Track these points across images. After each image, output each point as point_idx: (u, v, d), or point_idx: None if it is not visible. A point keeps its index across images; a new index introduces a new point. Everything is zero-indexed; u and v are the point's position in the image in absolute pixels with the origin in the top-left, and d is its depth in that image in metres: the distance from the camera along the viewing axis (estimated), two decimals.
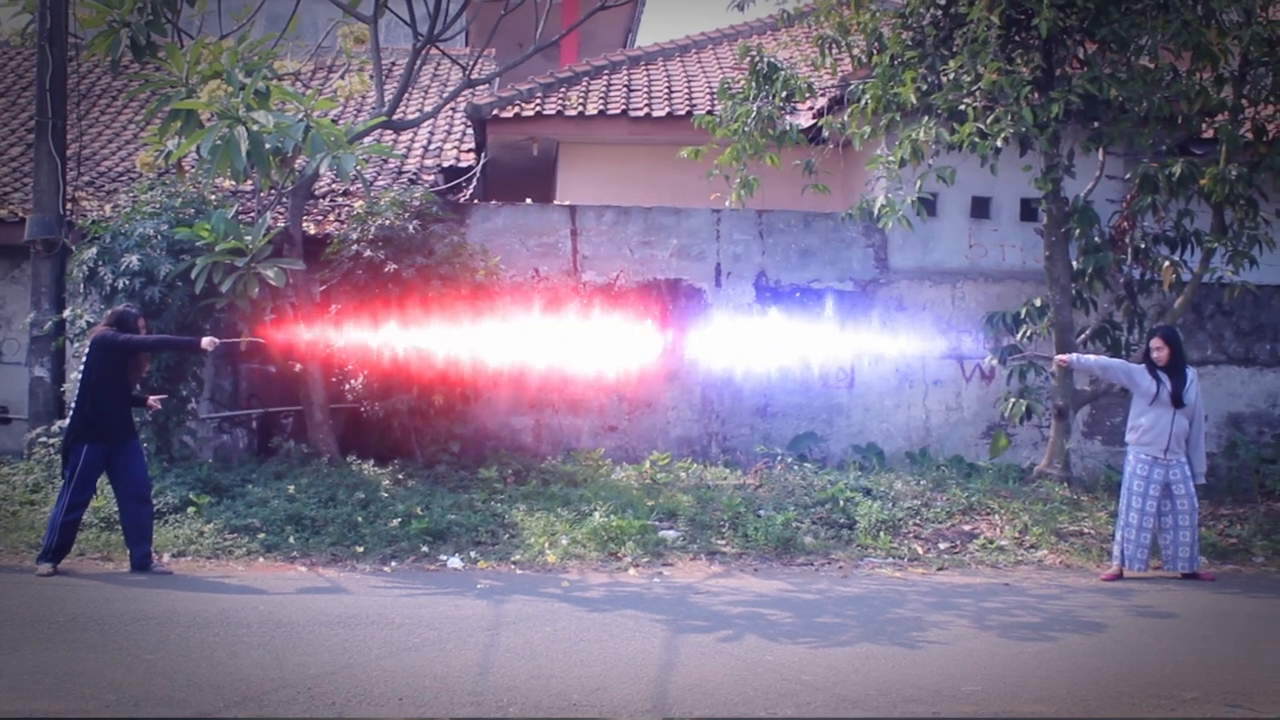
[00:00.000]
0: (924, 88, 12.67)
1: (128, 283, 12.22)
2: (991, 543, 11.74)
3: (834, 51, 13.65)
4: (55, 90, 13.52)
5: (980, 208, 14.79)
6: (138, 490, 10.19)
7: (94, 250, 12.54)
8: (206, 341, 10.38)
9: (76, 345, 12.76)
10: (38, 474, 12.27)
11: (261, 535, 11.11)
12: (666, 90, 17.26)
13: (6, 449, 13.90)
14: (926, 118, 12.54)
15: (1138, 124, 12.65)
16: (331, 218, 14.44)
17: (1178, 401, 10.58)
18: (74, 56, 14.33)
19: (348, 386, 13.18)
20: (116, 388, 10.17)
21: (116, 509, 10.47)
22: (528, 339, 13.45)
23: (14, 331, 14.51)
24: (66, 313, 12.99)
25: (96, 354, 10.16)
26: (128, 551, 10.27)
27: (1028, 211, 14.60)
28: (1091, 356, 11.89)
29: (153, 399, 10.73)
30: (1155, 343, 10.74)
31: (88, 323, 12.38)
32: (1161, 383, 10.62)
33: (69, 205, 13.80)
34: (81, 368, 10.21)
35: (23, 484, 12.14)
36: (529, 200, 15.83)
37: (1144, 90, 12.28)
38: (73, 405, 10.23)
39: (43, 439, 12.68)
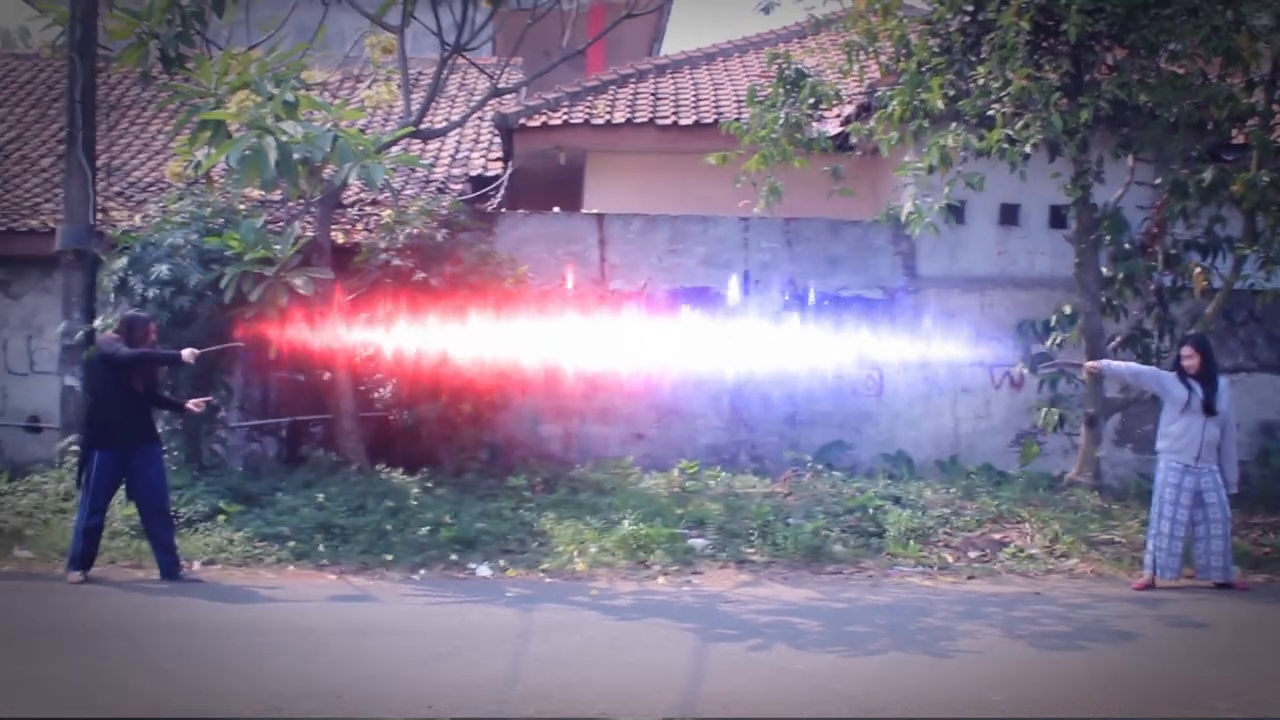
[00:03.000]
0: (952, 94, 12.62)
1: (158, 292, 12.27)
2: (1022, 551, 11.67)
3: (861, 58, 13.59)
4: (85, 102, 13.58)
5: (1009, 215, 14.71)
6: (151, 498, 10.18)
7: (124, 260, 12.60)
8: (187, 353, 10.26)
9: None
10: (68, 482, 12.27)
11: (291, 543, 11.14)
12: (693, 98, 17.24)
13: (38, 458, 13.94)
14: (954, 124, 12.49)
15: (1167, 130, 12.57)
16: (360, 227, 14.47)
17: (1209, 409, 10.49)
18: (104, 68, 14.41)
19: (376, 395, 13.18)
20: (121, 394, 10.11)
21: None
22: (555, 347, 13.44)
23: (45, 341, 14.57)
24: (97, 322, 13.05)
25: (97, 363, 10.32)
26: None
27: (1057, 218, 14.51)
28: (1121, 363, 11.82)
29: (192, 403, 10.71)
30: (1186, 350, 10.67)
31: (113, 328, 12.44)
32: (1193, 390, 10.53)
33: (99, 216, 13.85)
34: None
35: (54, 492, 12.19)
36: (556, 209, 15.82)
37: (1173, 96, 12.21)
38: (87, 412, 10.30)
39: (73, 447, 12.70)
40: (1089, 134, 12.37)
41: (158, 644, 7.96)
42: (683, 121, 16.37)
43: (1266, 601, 10.21)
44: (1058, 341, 13.40)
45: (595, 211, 15.37)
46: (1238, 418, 12.13)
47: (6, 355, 14.84)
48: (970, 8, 12.75)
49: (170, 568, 10.13)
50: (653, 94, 17.46)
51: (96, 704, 6.59)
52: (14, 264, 14.76)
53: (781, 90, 13.73)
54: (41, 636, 8.12)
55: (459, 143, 17.38)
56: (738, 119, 14.49)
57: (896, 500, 12.57)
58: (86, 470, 10.15)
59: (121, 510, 11.15)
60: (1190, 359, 10.59)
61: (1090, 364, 11.85)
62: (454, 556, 11.11)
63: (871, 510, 12.25)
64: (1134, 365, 11.66)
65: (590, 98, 17.21)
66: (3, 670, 7.25)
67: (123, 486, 10.33)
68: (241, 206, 13.42)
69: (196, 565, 10.61)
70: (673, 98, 17.29)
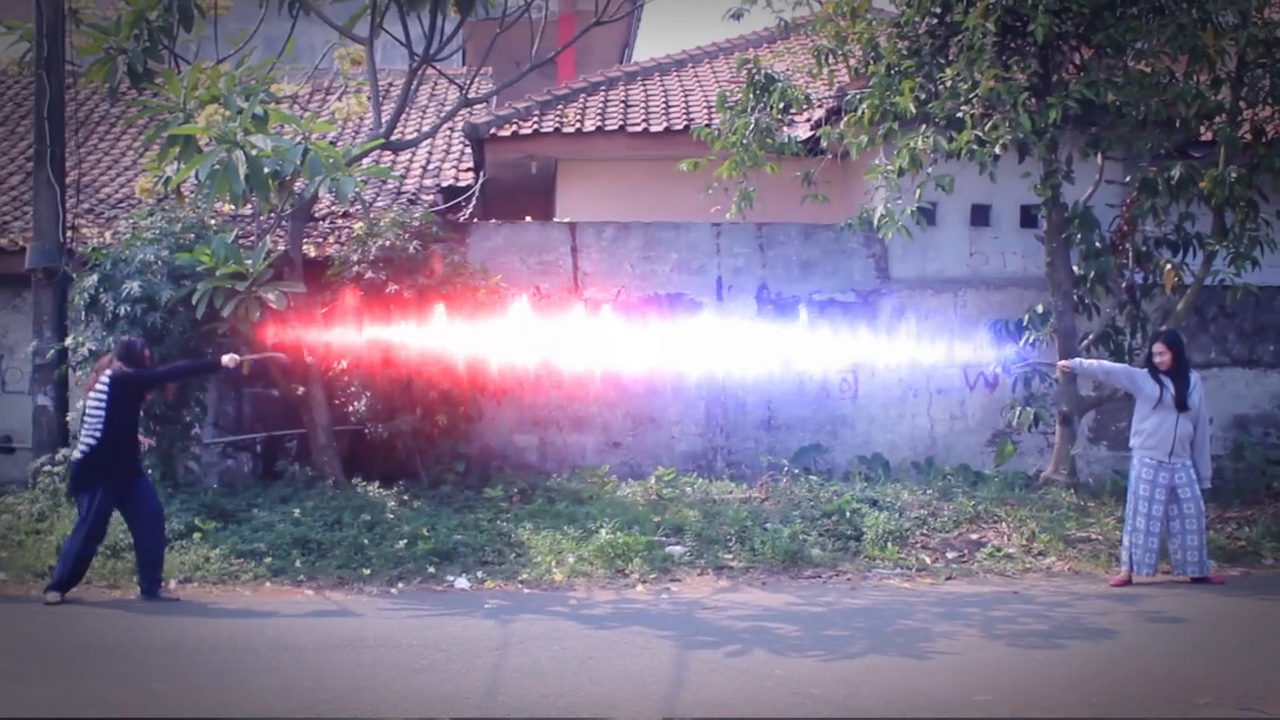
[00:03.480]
0: (921, 96, 12.66)
1: (129, 309, 12.22)
2: (999, 551, 11.71)
3: (831, 62, 13.63)
4: (54, 118, 13.53)
5: (980, 215, 14.76)
6: (153, 523, 10.23)
7: (95, 277, 12.54)
8: (227, 359, 10.40)
9: (79, 373, 12.75)
10: (43, 503, 12.23)
11: (268, 559, 11.09)
12: (664, 105, 17.26)
13: (11, 478, 13.86)
14: (924, 126, 12.52)
15: (1136, 128, 12.62)
16: (331, 240, 14.44)
17: (1181, 405, 10.54)
18: (72, 84, 14.35)
19: (351, 408, 13.15)
20: (134, 425, 10.20)
21: (125, 539, 10.47)
22: (530, 357, 13.42)
23: (17, 360, 14.50)
24: (69, 340, 13.00)
25: (118, 393, 10.03)
26: (135, 579, 10.30)
27: (1028, 218, 14.56)
28: (1094, 361, 11.88)
29: (227, 358, 10.58)
30: (1158, 347, 10.72)
31: (90, 350, 12.38)
32: (1165, 387, 10.58)
33: (69, 233, 13.79)
34: (97, 406, 10.00)
35: (28, 513, 12.10)
36: (528, 218, 15.82)
37: (1141, 94, 12.27)
38: (88, 442, 10.01)
39: (47, 468, 12.65)
40: (1058, 133, 12.43)
41: (141, 663, 7.93)
42: (653, 128, 16.38)
43: (1242, 595, 10.26)
44: (1031, 340, 13.44)
45: (567, 220, 15.37)
46: (1211, 413, 12.21)
47: None
48: (938, 10, 12.80)
49: (152, 587, 10.11)
50: (623, 101, 17.48)
51: None
52: None
53: (751, 95, 13.75)
54: (22, 657, 8.08)
55: (430, 154, 17.37)
56: (708, 125, 14.52)
57: (874, 503, 12.59)
58: (86, 501, 10.02)
59: None
60: (1162, 355, 10.64)
61: (1063, 362, 11.89)
62: (432, 569, 11.08)
63: (849, 513, 12.26)
64: (1106, 363, 11.71)
65: (561, 106, 17.21)
66: None
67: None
68: (212, 221, 13.36)
69: (173, 584, 10.56)
70: (643, 105, 17.31)
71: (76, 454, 10.20)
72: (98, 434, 9.98)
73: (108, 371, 10.15)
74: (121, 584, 10.50)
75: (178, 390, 12.37)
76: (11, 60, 14.69)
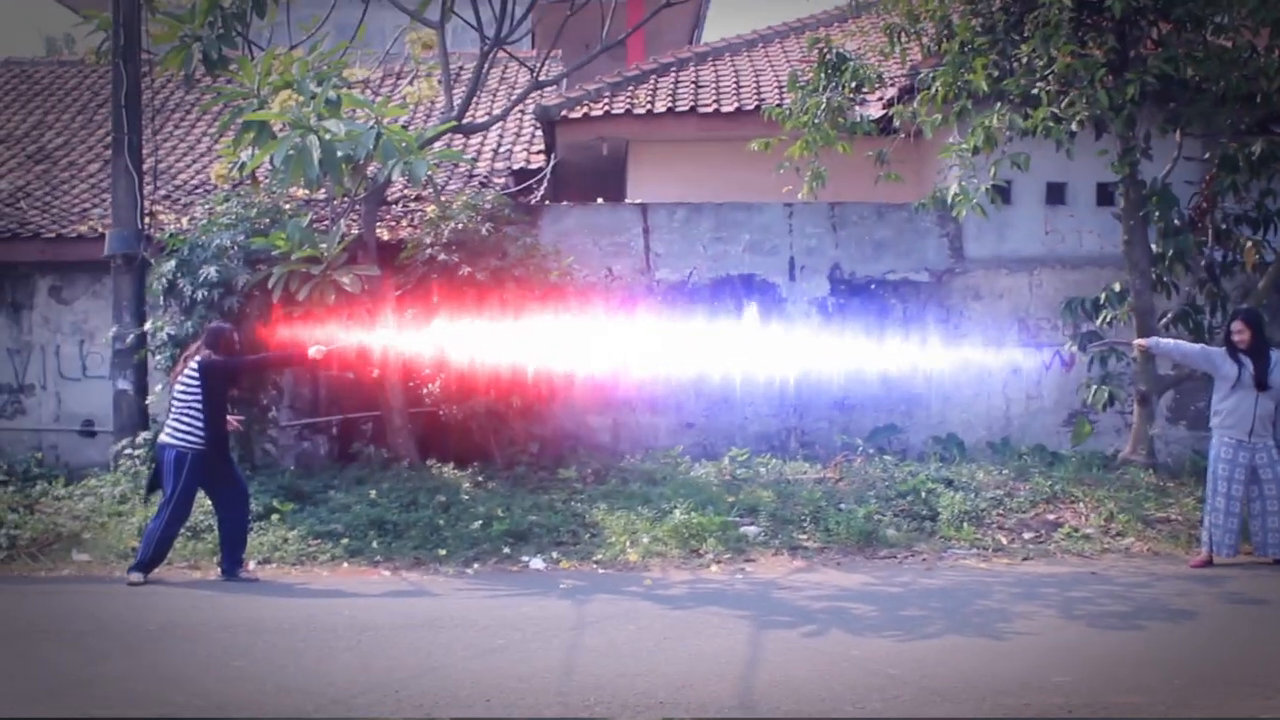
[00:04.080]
0: (995, 74, 12.53)
1: (206, 294, 12.36)
2: (1077, 531, 11.60)
3: (903, 40, 13.52)
4: (131, 106, 13.67)
5: (1056, 194, 14.60)
6: (240, 504, 10.39)
7: (172, 263, 12.70)
8: (314, 350, 10.50)
9: (158, 357, 12.90)
10: (124, 485, 12.41)
11: (345, 540, 11.20)
12: (735, 85, 17.19)
13: (93, 462, 14.09)
14: (999, 104, 12.39)
15: (1215, 103, 12.44)
16: (404, 223, 14.52)
17: (1261, 384, 10.40)
18: (148, 72, 14.50)
19: (425, 390, 13.21)
20: (223, 409, 10.31)
21: (204, 520, 10.61)
22: (603, 338, 13.44)
23: (97, 346, 14.71)
24: (147, 325, 13.16)
25: (210, 380, 10.15)
26: (216, 560, 10.44)
27: (1104, 196, 14.38)
28: (1171, 341, 11.70)
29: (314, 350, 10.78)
30: (1236, 325, 10.57)
31: (169, 335, 12.53)
32: (1244, 366, 10.44)
33: (147, 219, 13.95)
34: (186, 392, 10.13)
35: (110, 496, 12.29)
36: (600, 200, 15.82)
37: (1221, 69, 12.08)
38: (185, 428, 10.09)
39: (128, 451, 12.84)
40: (1135, 110, 12.24)
41: (222, 642, 8.03)
42: (724, 109, 16.33)
43: None
44: (1108, 319, 13.30)
45: (639, 201, 15.36)
46: None
47: (59, 360, 14.99)
48: None
49: (233, 568, 10.26)
50: (694, 82, 17.43)
51: (165, 701, 6.66)
52: (65, 269, 14.90)
53: (823, 75, 13.66)
54: (107, 638, 8.21)
55: (501, 136, 17.41)
56: (779, 105, 14.44)
57: (949, 483, 12.51)
58: (176, 479, 10.12)
59: None
60: (1240, 334, 10.49)
61: (1140, 341, 11.73)
62: (507, 550, 11.14)
63: (924, 494, 12.20)
64: (1183, 344, 11.52)
65: (631, 88, 17.19)
66: (71, 671, 7.33)
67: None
68: (287, 206, 13.48)
69: (252, 565, 10.68)
70: (714, 85, 17.25)
71: (166, 438, 10.25)
72: (203, 418, 10.08)
73: (196, 359, 10.26)
74: (202, 565, 10.64)
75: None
76: (90, 50, 14.87)
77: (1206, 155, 13.12)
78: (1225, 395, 10.56)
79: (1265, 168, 12.38)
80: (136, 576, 10.02)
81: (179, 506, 10.15)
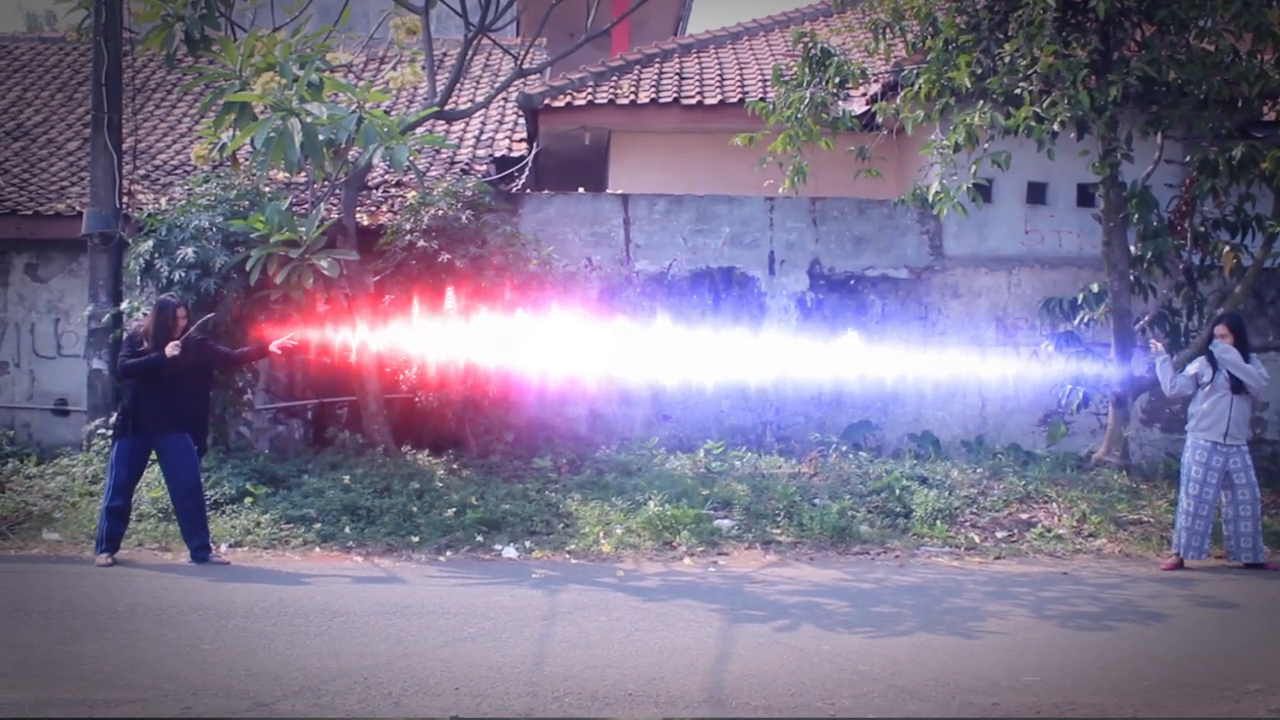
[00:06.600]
0: (979, 72, 12.54)
1: (183, 275, 12.31)
2: (1049, 531, 11.63)
3: (887, 36, 13.53)
4: (111, 85, 13.59)
5: (1036, 193, 14.63)
6: (184, 483, 10.22)
7: (150, 243, 12.64)
8: (170, 348, 10.07)
9: None
10: (96, 465, 12.36)
11: (318, 525, 11.17)
12: (718, 78, 17.19)
13: (66, 441, 14.03)
14: (981, 102, 12.41)
15: (1197, 107, 12.48)
16: (385, 209, 14.48)
17: (1236, 387, 10.46)
18: (129, 51, 14.44)
19: (402, 377, 13.17)
20: (148, 383, 10.16)
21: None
22: (581, 328, 13.42)
23: (72, 324, 14.63)
24: (123, 305, 13.10)
25: (127, 377, 10.34)
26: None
27: (1085, 197, 14.42)
28: (1169, 372, 11.32)
29: (275, 345, 10.74)
30: (1220, 329, 10.64)
31: (144, 315, 12.47)
32: (1219, 369, 10.51)
33: (125, 199, 13.89)
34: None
35: (82, 475, 12.25)
36: (581, 189, 15.81)
37: (1203, 73, 12.11)
38: (124, 402, 10.35)
39: (101, 430, 12.78)
40: (1117, 111, 12.28)
41: (191, 625, 7.99)
42: (708, 101, 16.32)
43: None
44: (1085, 320, 13.33)
45: (620, 192, 15.35)
46: (1267, 397, 12.05)
47: (34, 338, 14.88)
48: None
49: (200, 551, 10.20)
50: (677, 74, 17.41)
51: (134, 684, 6.62)
52: (41, 247, 14.80)
53: (807, 70, 13.66)
54: (76, 617, 8.16)
55: (483, 124, 17.37)
56: (763, 99, 14.45)
57: (923, 480, 12.54)
58: (112, 454, 10.28)
59: (149, 493, 11.23)
60: (1224, 338, 10.55)
61: (1156, 343, 11.48)
62: (480, 538, 11.12)
63: (898, 491, 12.23)
64: (1177, 377, 11.14)
65: (615, 78, 17.17)
66: (38, 651, 7.28)
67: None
68: (267, 189, 13.43)
69: (224, 548, 10.65)
70: (697, 77, 17.24)
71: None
72: (120, 389, 10.22)
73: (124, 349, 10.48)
74: (174, 547, 10.60)
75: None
76: (70, 27, 14.79)
77: (1187, 159, 13.16)
78: (1201, 398, 10.62)
79: (1245, 172, 12.42)
80: (104, 558, 9.98)
81: (118, 477, 10.13)
